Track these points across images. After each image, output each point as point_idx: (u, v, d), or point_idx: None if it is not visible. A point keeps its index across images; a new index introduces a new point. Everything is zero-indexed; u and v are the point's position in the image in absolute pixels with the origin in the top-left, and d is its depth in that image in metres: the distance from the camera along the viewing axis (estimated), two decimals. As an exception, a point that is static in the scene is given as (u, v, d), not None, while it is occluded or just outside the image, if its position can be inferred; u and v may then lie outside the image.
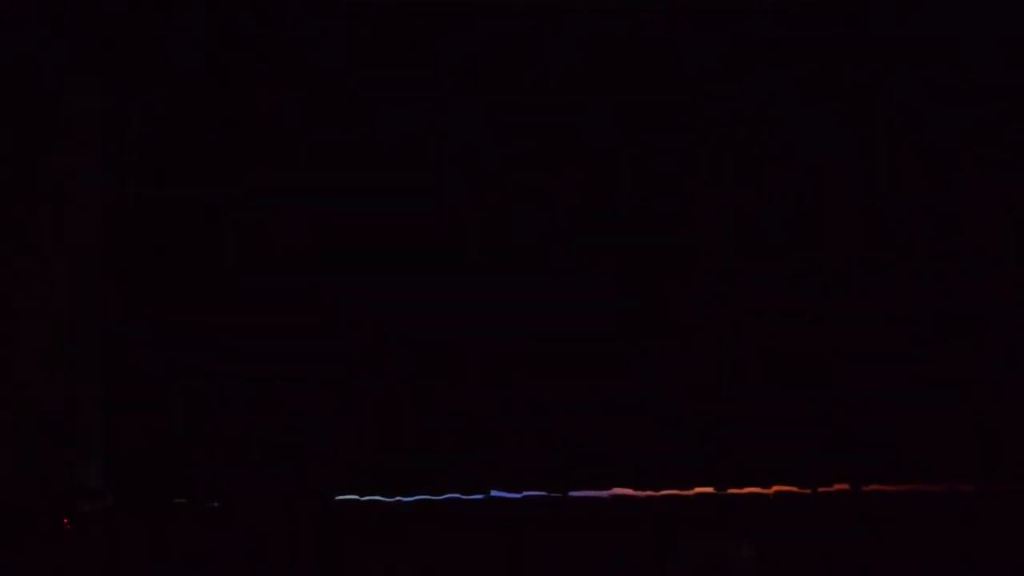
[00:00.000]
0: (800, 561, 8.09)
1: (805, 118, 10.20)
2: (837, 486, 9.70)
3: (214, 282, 9.74)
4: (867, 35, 10.14)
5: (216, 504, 9.50)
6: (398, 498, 9.86)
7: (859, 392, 9.98)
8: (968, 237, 10.21)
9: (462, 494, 9.97)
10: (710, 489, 10.10)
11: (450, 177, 9.97)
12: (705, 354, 9.92)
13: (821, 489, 9.84)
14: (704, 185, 9.93)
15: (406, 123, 10.25)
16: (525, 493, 10.04)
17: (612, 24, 10.18)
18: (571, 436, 9.87)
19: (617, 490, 10.26)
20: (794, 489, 9.90)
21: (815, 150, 10.20)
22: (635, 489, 9.89)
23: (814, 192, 10.18)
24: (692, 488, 9.98)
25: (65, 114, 9.64)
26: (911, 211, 10.19)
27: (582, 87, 10.16)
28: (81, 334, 9.62)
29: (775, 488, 10.00)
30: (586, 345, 10.00)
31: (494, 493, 10.09)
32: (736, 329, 10.05)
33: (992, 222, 10.21)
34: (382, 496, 9.88)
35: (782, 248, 10.20)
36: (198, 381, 9.58)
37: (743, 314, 10.05)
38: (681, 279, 10.11)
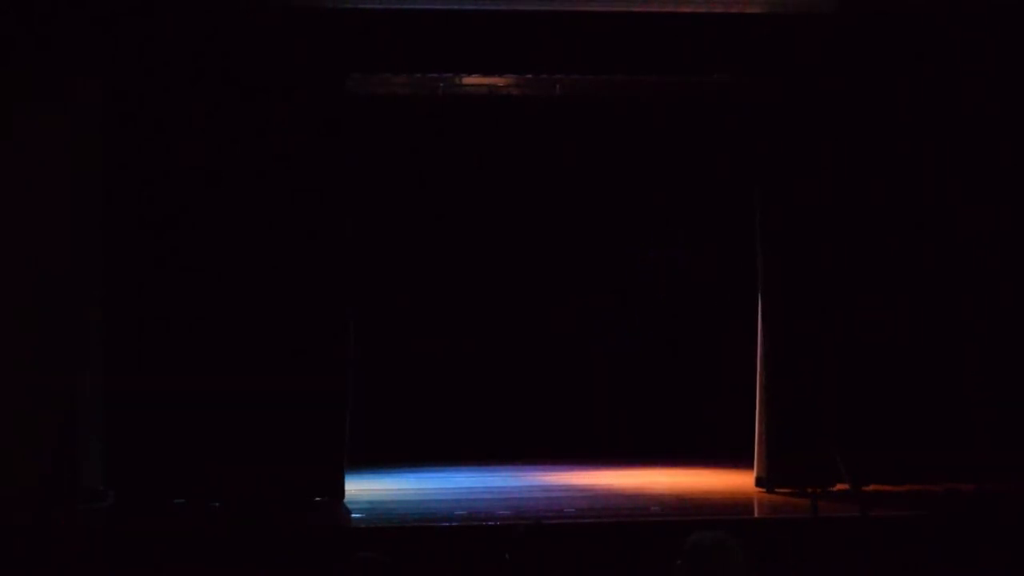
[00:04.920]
0: (800, 560, 8.09)
1: None
2: (839, 486, 9.70)
3: (213, 284, 9.76)
4: None
5: (216, 504, 9.52)
6: (394, 498, 9.94)
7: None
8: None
9: (457, 488, 10.03)
10: (709, 486, 10.23)
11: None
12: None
13: (810, 488, 9.84)
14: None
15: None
16: (526, 493, 10.11)
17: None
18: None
19: (615, 490, 10.31)
20: (795, 488, 9.94)
21: None
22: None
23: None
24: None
25: (65, 113, 9.65)
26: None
27: None
28: (82, 336, 9.63)
29: (777, 488, 10.06)
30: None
31: (493, 486, 10.13)
32: None
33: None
34: (378, 496, 9.95)
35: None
36: (198, 382, 9.59)
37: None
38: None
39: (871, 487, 9.56)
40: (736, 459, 10.78)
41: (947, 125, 10.30)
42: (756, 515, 9.52)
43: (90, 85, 9.70)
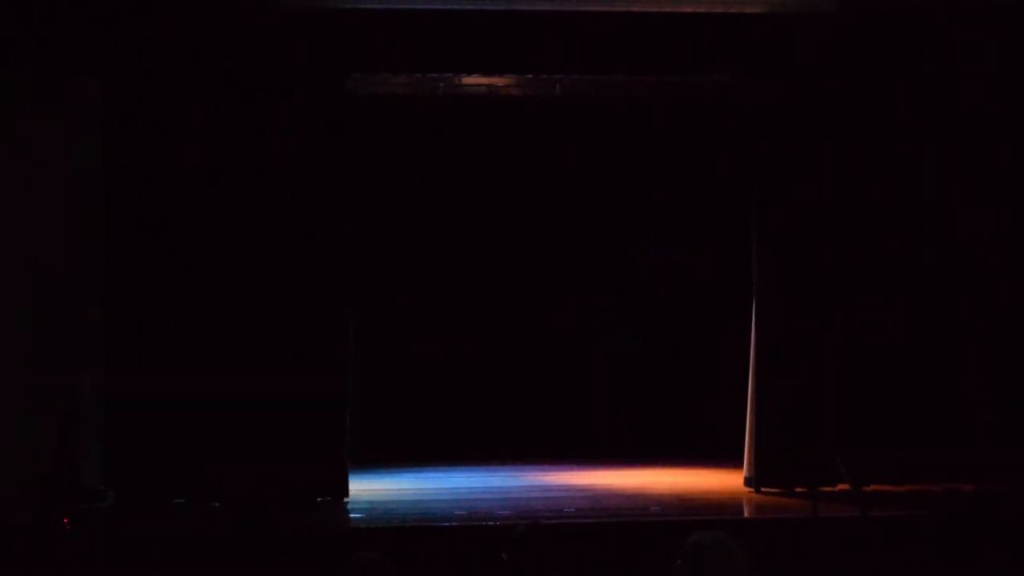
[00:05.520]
0: (801, 560, 8.10)
1: None
2: (840, 486, 9.70)
3: (213, 284, 9.76)
4: None
5: (216, 504, 9.52)
6: (394, 498, 9.95)
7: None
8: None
9: (457, 488, 10.02)
10: (709, 485, 10.25)
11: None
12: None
13: (822, 488, 9.84)
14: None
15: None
16: (525, 493, 10.12)
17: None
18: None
19: (615, 490, 10.31)
20: (795, 488, 9.93)
21: None
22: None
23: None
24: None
25: (65, 113, 9.65)
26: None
27: None
28: (82, 336, 9.63)
29: (764, 488, 10.06)
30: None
31: (493, 486, 10.14)
32: None
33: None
34: (378, 496, 9.97)
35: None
36: (198, 382, 9.59)
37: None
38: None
39: (871, 487, 9.56)
40: (736, 459, 10.76)
41: (947, 125, 10.30)
42: (753, 515, 9.50)
43: (90, 85, 9.70)
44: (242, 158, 9.80)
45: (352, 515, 9.33)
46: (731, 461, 10.94)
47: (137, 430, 9.56)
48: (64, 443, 9.40)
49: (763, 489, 10.04)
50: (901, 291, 10.25)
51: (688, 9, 10.03)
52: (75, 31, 9.56)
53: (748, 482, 10.19)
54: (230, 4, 9.80)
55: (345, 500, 9.71)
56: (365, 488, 10.15)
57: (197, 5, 9.77)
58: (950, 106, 10.29)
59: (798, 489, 9.69)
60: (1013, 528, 8.55)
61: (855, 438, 9.77)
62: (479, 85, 10.75)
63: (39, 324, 9.49)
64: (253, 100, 9.84)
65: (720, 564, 4.03)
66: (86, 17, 9.59)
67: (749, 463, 10.21)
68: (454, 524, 8.67)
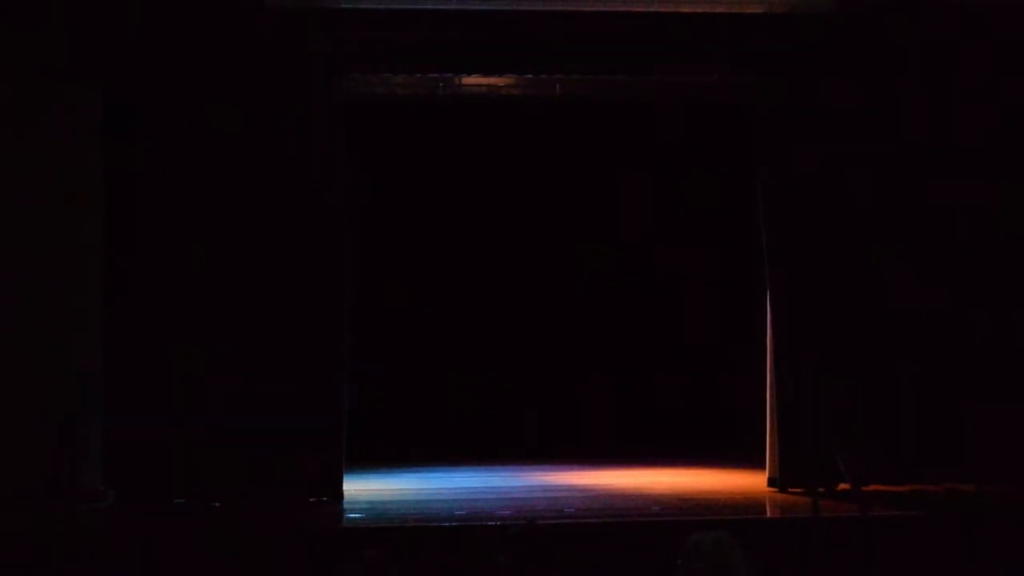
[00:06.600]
0: (800, 559, 8.10)
1: None
2: (841, 486, 9.71)
3: (213, 284, 9.77)
4: None
5: (216, 504, 9.52)
6: (394, 498, 9.95)
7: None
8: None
9: (457, 488, 10.03)
10: (709, 486, 10.25)
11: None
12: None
13: (821, 488, 9.84)
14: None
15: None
16: (526, 493, 10.12)
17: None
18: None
19: (615, 490, 10.31)
20: (819, 488, 9.93)
21: None
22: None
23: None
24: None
25: (66, 116, 9.66)
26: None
27: None
28: (82, 335, 9.63)
29: (789, 488, 10.06)
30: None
31: (493, 486, 10.15)
32: None
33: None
34: (378, 496, 9.97)
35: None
36: (198, 381, 9.60)
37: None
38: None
39: (871, 487, 9.56)
40: (737, 459, 10.79)
41: (947, 125, 10.30)
42: (757, 515, 9.50)
43: (90, 89, 9.70)
44: (242, 158, 9.81)
45: (352, 515, 9.33)
46: (732, 461, 10.96)
47: (137, 430, 9.56)
48: (64, 443, 9.39)
49: (789, 490, 10.00)
50: (903, 287, 10.25)
51: (688, 9, 10.03)
52: (76, 33, 9.56)
53: (772, 482, 10.15)
54: (229, 4, 9.81)
55: (343, 500, 9.71)
56: (365, 488, 10.15)
57: (196, 6, 9.77)
58: (950, 106, 10.28)
59: (820, 489, 9.67)
60: (1013, 528, 8.55)
61: (857, 433, 9.76)
62: (479, 85, 10.76)
63: (39, 324, 9.48)
64: (253, 100, 9.84)
65: (720, 564, 4.04)
66: (87, 19, 9.58)
67: (772, 463, 10.17)
68: (454, 524, 8.67)
